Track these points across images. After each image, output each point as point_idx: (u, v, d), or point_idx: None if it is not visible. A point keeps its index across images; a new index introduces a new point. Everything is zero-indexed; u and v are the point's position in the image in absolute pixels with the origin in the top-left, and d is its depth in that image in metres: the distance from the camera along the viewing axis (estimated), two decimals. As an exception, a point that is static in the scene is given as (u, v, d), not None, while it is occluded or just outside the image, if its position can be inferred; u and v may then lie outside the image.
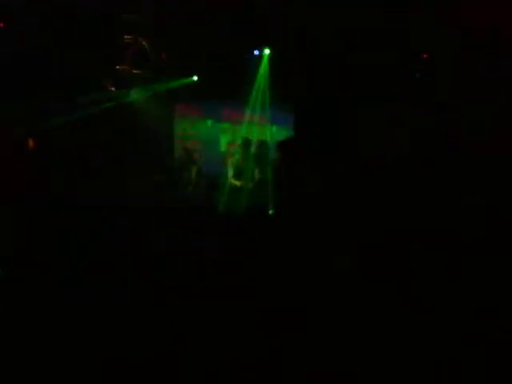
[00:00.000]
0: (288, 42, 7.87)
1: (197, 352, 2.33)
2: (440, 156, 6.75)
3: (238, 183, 8.07)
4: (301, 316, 2.69)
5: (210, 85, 8.57)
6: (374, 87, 7.54)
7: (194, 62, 8.50)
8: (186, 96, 9.13)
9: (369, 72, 7.61)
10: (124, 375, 2.28)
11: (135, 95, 9.03)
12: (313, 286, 3.43)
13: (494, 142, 6.51)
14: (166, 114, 9.33)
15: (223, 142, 9.72)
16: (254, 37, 8.01)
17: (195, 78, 9.01)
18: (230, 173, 8.10)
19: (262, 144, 8.51)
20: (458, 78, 7.21)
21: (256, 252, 4.23)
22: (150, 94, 8.98)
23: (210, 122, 9.77)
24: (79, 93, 8.37)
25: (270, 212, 6.93)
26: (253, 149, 8.15)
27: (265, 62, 8.49)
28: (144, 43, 8.41)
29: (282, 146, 7.66)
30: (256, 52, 8.51)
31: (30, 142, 8.23)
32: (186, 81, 9.05)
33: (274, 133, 9.56)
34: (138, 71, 8.62)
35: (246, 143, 8.11)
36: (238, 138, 8.66)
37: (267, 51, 8.47)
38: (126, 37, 8.32)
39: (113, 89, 8.80)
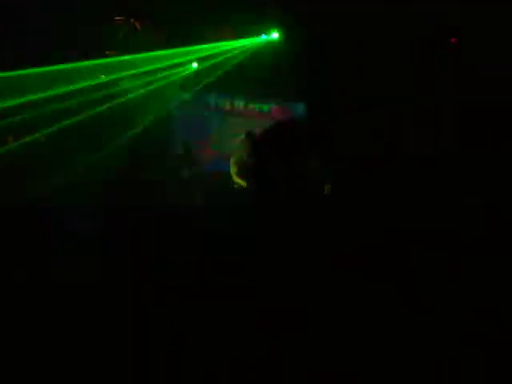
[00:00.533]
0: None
1: (196, 352, 2.37)
2: (441, 156, 6.85)
3: (242, 182, 7.51)
4: (301, 316, 2.70)
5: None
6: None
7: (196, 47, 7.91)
8: (187, 84, 8.43)
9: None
10: (124, 375, 2.33)
11: (127, 84, 8.24)
12: (313, 285, 3.45)
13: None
14: (162, 105, 8.49)
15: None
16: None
17: (195, 64, 8.26)
18: (233, 171, 7.58)
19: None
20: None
21: (256, 252, 4.25)
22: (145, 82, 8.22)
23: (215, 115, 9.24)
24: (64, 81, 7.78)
25: None
26: None
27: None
28: (137, 24, 7.92)
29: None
30: (263, 36, 7.97)
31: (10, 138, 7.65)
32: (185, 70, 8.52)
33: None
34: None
35: (250, 138, 7.49)
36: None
37: (275, 35, 7.97)
38: (116, 18, 7.82)
39: (102, 76, 8.04)
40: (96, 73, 7.77)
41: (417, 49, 7.47)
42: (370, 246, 4.35)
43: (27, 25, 7.09)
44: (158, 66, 7.92)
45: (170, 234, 4.85)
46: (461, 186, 6.23)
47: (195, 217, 5.90)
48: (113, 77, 7.82)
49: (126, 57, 7.44)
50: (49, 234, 5.05)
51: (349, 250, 4.26)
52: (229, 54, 8.01)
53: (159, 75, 8.12)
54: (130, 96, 8.08)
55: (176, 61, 8.03)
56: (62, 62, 7.07)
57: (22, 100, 6.90)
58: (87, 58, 7.58)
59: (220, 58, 8.09)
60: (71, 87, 7.37)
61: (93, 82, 7.66)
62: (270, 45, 7.93)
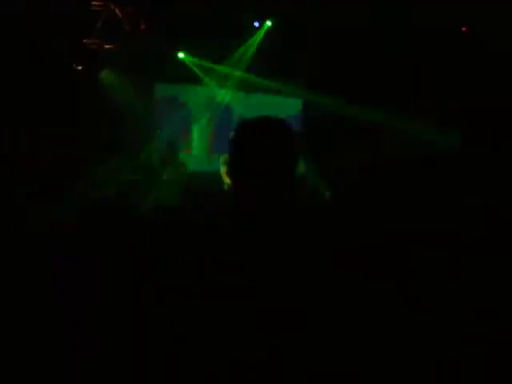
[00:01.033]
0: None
1: (196, 352, 2.02)
2: (441, 156, 6.83)
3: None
4: (301, 316, 2.18)
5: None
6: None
7: (181, 36, 7.33)
8: (171, 75, 7.76)
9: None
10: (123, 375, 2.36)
11: (106, 76, 7.70)
12: (313, 285, 3.02)
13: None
14: (144, 98, 7.90)
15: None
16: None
17: (181, 55, 7.73)
18: (223, 170, 7.09)
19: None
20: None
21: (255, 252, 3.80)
22: (125, 74, 7.56)
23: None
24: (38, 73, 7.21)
25: None
26: None
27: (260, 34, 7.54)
28: (117, 11, 7.30)
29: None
30: (256, 23, 7.55)
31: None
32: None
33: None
34: (109, 46, 7.37)
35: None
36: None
37: (269, 23, 7.50)
38: (94, 3, 7.29)
39: (79, 68, 7.48)
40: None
41: (417, 46, 7.34)
42: (369, 245, 4.05)
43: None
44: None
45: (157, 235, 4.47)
46: (461, 186, 6.22)
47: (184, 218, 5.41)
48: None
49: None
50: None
51: (348, 249, 3.93)
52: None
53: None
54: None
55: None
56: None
57: None
58: (64, 46, 7.24)
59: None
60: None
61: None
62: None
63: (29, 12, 6.95)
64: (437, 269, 3.92)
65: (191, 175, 7.36)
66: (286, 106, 8.49)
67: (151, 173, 7.43)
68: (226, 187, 6.90)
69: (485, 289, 3.56)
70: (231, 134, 7.25)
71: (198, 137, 8.61)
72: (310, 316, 1.77)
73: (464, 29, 7.07)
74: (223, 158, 6.94)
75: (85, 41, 7.27)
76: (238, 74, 7.95)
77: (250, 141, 1.64)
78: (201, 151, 8.63)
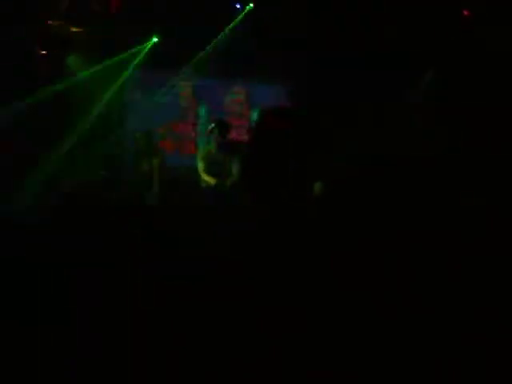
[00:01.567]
0: None
1: (196, 352, 2.45)
2: (440, 156, 6.86)
3: (211, 180, 6.62)
4: (301, 316, 2.79)
5: (180, 48, 6.85)
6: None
7: (157, 17, 6.91)
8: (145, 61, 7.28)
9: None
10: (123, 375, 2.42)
11: (73, 61, 7.20)
12: (313, 286, 3.55)
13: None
14: (115, 85, 7.41)
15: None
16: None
17: (155, 39, 7.22)
18: (201, 166, 6.64)
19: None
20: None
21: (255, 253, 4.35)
22: (94, 60, 7.08)
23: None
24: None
25: None
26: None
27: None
28: None
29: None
30: (238, 6, 7.15)
31: None
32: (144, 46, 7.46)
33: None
34: (76, 29, 7.00)
35: (220, 128, 6.64)
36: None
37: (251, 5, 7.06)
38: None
39: (43, 52, 7.07)
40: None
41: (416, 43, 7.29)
42: (369, 245, 4.41)
43: None
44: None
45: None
46: (461, 186, 6.24)
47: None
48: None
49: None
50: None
51: (348, 249, 4.33)
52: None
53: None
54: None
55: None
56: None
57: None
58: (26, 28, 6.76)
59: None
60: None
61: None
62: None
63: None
64: (437, 269, 3.93)
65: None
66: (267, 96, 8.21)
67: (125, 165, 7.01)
68: (203, 185, 6.48)
69: (485, 289, 3.57)
70: (210, 126, 6.64)
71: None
72: (309, 316, 1.95)
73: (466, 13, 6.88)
74: (201, 153, 6.52)
75: (49, 23, 6.81)
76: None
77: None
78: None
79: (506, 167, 6.49)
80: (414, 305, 3.32)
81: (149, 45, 7.30)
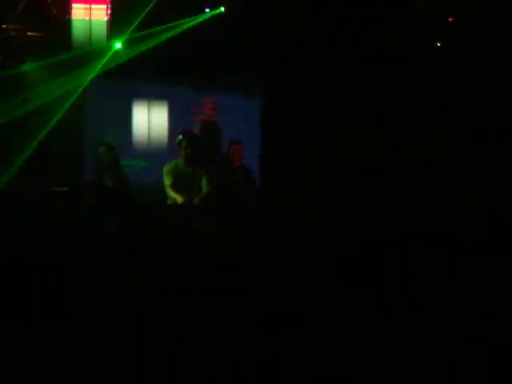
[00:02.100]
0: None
1: (197, 352, 2.44)
2: (440, 156, 6.92)
3: (178, 198, 6.27)
4: (301, 316, 2.79)
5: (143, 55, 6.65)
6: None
7: (120, 21, 6.65)
8: (108, 69, 6.87)
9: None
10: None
11: (30, 68, 6.83)
12: (313, 286, 3.58)
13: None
14: (74, 95, 6.91)
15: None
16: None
17: (118, 44, 6.85)
18: (167, 182, 6.04)
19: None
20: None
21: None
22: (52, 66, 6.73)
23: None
24: None
25: None
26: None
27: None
28: None
29: None
30: (207, 9, 6.88)
31: None
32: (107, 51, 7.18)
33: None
34: (33, 33, 6.77)
35: (189, 139, 6.34)
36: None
37: (222, 9, 6.79)
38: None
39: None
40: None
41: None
42: (369, 245, 4.43)
43: None
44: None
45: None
46: (461, 186, 6.27)
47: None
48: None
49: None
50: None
51: (348, 249, 4.36)
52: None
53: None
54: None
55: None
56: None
57: None
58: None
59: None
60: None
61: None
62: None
63: None
64: (437, 269, 3.96)
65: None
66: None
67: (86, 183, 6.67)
68: (169, 202, 6.15)
69: (485, 289, 3.60)
70: (178, 138, 6.27)
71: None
72: (309, 316, 2.03)
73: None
74: (167, 167, 6.19)
75: (3, 26, 6.57)
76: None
77: None
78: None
79: (506, 167, 6.49)
80: (413, 304, 3.32)
81: (110, 52, 7.04)
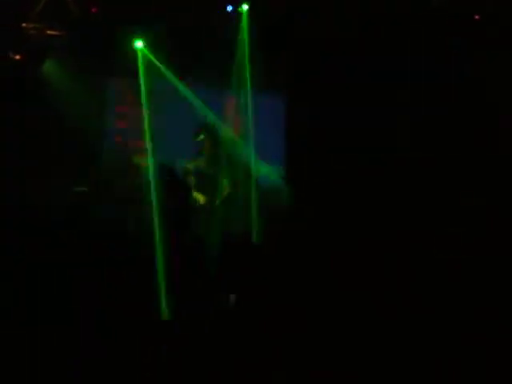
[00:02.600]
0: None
1: (199, 351, 2.55)
2: (440, 155, 6.95)
3: (200, 198, 6.23)
4: (301, 316, 2.85)
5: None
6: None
7: (141, 20, 6.36)
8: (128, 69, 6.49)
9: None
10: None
11: (50, 68, 6.83)
12: (313, 286, 3.65)
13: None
14: (94, 95, 6.94)
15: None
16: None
17: (139, 43, 6.45)
18: (191, 183, 5.84)
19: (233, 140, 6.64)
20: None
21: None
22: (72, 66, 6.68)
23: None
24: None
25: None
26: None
27: (244, 22, 6.55)
28: None
29: None
30: (229, 8, 6.72)
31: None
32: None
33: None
34: (54, 32, 6.64)
35: (212, 139, 6.20)
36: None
37: (245, 7, 6.49)
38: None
39: (16, 57, 6.66)
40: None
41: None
42: (369, 245, 4.49)
43: None
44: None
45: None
46: (461, 186, 6.31)
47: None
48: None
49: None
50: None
51: (348, 250, 4.39)
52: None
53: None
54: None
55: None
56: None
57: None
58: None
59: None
60: None
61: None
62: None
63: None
64: (437, 269, 4.10)
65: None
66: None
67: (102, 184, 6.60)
68: (195, 204, 6.02)
69: (485, 289, 3.73)
70: (200, 137, 6.10)
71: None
72: (310, 316, 2.08)
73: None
74: (189, 168, 6.07)
75: (23, 25, 6.46)
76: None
77: None
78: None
79: (506, 167, 6.50)
80: (414, 304, 3.43)
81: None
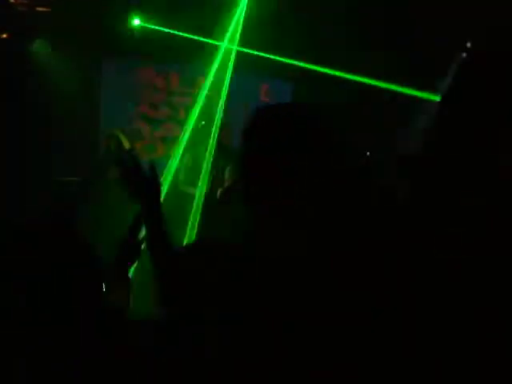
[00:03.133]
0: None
1: (198, 351, 2.29)
2: (440, 156, 6.16)
3: (190, 189, 5.39)
4: (302, 316, 2.61)
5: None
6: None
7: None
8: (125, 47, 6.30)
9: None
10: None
11: (40, 47, 6.43)
12: (313, 287, 3.20)
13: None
14: (88, 78, 6.56)
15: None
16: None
17: (136, 21, 6.31)
18: (181, 177, 5.52)
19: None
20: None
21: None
22: (64, 45, 6.25)
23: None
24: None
25: None
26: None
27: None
28: None
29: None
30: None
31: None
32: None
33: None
34: (43, 8, 6.18)
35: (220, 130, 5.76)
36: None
37: None
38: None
39: (4, 36, 6.26)
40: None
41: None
42: (369, 245, 4.07)
43: None
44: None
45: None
46: (461, 186, 5.79)
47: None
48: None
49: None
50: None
51: (348, 250, 4.03)
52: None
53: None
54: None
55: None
56: None
57: None
58: None
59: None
60: None
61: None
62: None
63: None
64: (437, 269, 3.25)
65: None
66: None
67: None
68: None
69: (485, 289, 3.02)
70: (200, 123, 5.57)
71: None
72: (310, 317, 1.90)
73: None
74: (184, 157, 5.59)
75: (10, 1, 6.03)
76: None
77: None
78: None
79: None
80: (414, 305, 2.89)
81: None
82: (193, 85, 6.99)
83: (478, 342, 2.87)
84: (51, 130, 6.45)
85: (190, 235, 5.47)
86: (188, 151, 5.70)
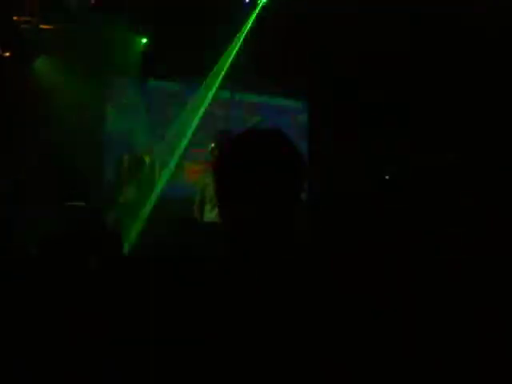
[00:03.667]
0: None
1: (198, 351, 2.01)
2: (440, 156, 7.10)
3: (214, 216, 5.66)
4: (302, 316, 2.34)
5: (170, 49, 6.15)
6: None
7: (144, 13, 6.09)
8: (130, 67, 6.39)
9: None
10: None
11: (43, 65, 6.42)
12: (313, 287, 2.98)
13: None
14: (93, 96, 6.52)
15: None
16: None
17: (144, 40, 6.49)
18: (198, 198, 5.43)
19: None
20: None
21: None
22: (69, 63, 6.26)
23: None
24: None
25: None
26: None
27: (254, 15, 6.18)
28: None
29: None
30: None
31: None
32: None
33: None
34: (47, 26, 6.22)
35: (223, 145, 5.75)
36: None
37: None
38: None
39: (6, 54, 6.19)
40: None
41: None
42: (369, 246, 4.59)
43: None
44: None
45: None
46: (461, 186, 6.47)
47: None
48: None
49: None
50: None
51: (348, 250, 4.47)
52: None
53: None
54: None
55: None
56: None
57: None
58: None
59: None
60: None
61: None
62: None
63: None
64: (437, 269, 4.09)
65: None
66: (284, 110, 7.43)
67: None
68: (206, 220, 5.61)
69: (485, 289, 3.73)
70: (210, 145, 5.51)
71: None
72: (310, 317, 1.83)
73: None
74: (200, 181, 5.61)
75: (14, 18, 6.07)
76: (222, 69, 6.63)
77: (243, 162, 1.53)
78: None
79: (506, 167, 6.62)
80: (414, 305, 3.43)
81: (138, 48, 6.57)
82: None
83: (477, 342, 3.07)
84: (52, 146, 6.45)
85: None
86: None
